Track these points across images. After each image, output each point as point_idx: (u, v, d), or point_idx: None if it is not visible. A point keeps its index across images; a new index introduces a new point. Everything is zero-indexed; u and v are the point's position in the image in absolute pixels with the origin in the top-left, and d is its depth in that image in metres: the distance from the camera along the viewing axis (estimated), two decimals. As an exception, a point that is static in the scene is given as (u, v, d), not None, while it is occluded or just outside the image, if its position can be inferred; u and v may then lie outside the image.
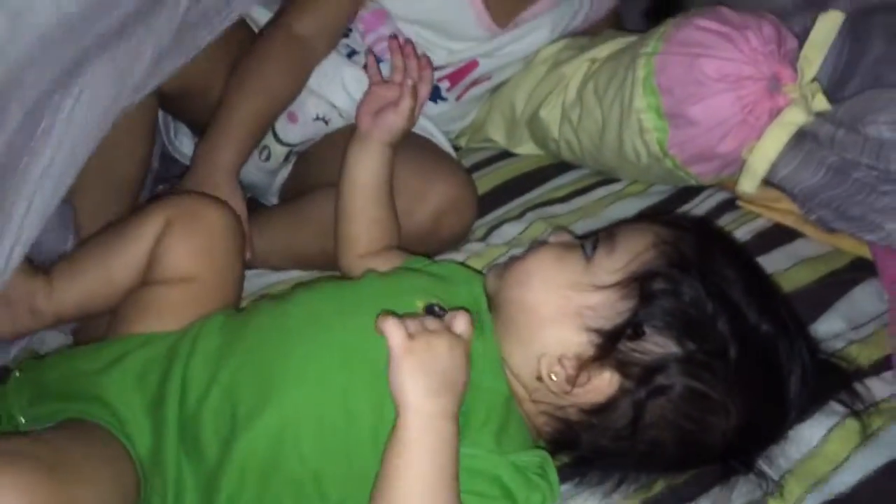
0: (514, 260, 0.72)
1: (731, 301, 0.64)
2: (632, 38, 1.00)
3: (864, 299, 0.86)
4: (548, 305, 0.66)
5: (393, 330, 0.59)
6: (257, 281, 0.96)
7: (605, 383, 0.64)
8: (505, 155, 1.15)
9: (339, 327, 0.69)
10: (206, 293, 0.79)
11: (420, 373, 0.59)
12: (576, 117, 1.01)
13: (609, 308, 0.64)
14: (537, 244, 0.72)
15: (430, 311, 0.69)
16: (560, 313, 0.65)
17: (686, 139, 0.90)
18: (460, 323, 0.63)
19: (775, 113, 0.87)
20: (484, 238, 0.98)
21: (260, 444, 0.63)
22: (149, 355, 0.72)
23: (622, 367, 0.63)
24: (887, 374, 0.77)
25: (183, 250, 0.78)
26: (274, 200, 1.12)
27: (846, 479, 0.68)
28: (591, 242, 0.69)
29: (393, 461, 0.58)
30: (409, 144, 0.89)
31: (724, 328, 0.63)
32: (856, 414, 0.70)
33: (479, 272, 0.80)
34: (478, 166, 1.13)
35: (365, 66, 1.04)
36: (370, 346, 0.64)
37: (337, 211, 0.85)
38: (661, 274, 0.64)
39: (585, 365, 0.64)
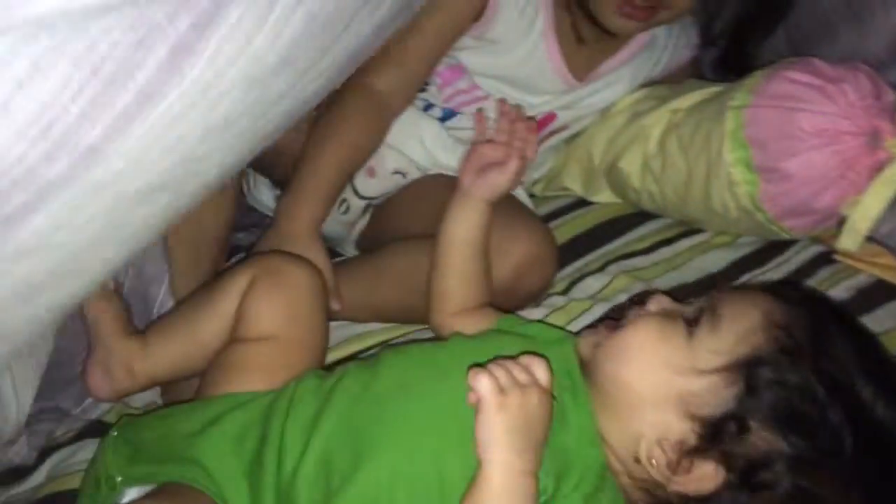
0: (610, 327, 0.70)
1: (846, 388, 0.60)
2: (714, 89, 0.99)
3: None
4: (647, 387, 0.64)
5: (486, 385, 0.58)
6: (339, 332, 0.96)
7: (708, 475, 0.61)
8: (581, 203, 1.14)
9: (429, 392, 0.68)
10: (293, 350, 0.79)
11: (511, 429, 0.58)
12: (658, 168, 1.00)
13: (712, 395, 0.61)
14: (635, 313, 0.69)
15: None
16: (660, 396, 0.63)
17: (779, 193, 0.88)
18: (542, 371, 0.61)
19: (876, 168, 0.84)
20: (565, 292, 0.97)
21: None
22: (245, 418, 0.73)
23: (726, 458, 0.60)
24: None
25: (267, 308, 0.79)
26: (351, 250, 1.12)
27: None
28: (693, 313, 0.66)
29: None
30: None
31: (837, 419, 0.59)
32: None
33: (570, 332, 0.78)
34: (554, 215, 1.12)
35: (443, 120, 1.06)
36: (460, 409, 0.63)
37: (432, 267, 0.84)
38: (769, 362, 0.61)
39: (687, 452, 0.61)
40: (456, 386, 0.65)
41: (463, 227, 0.83)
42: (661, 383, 0.63)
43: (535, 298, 0.94)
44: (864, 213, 0.84)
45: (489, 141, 0.86)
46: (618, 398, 0.65)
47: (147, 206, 0.57)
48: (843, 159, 0.83)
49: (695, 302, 0.68)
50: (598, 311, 0.92)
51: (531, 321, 0.82)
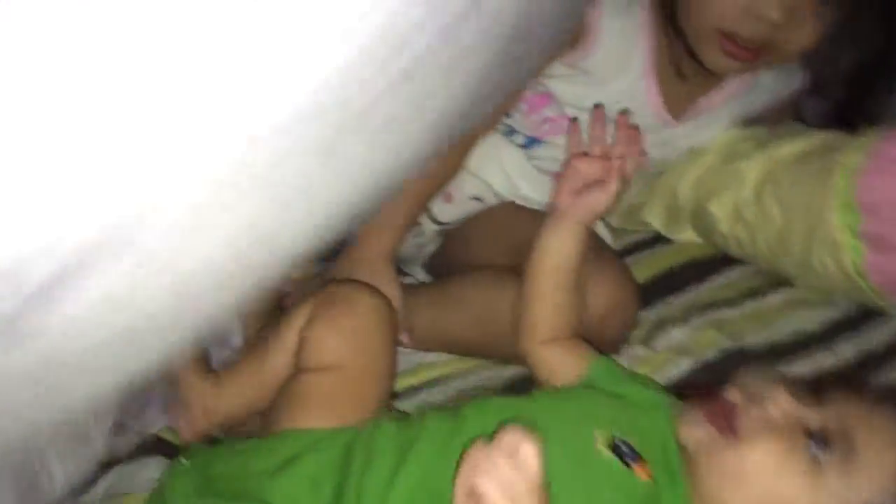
0: (716, 420, 0.61)
1: None
2: (819, 138, 0.94)
3: None
4: None
5: None
6: (407, 359, 0.93)
7: None
8: (659, 238, 1.09)
9: None
10: (360, 382, 0.76)
11: None
12: (751, 217, 0.96)
13: None
14: (753, 420, 0.60)
15: (616, 450, 0.63)
16: None
17: (887, 264, 0.84)
18: (534, 465, 0.52)
19: None
20: (647, 341, 0.93)
21: None
22: (320, 461, 0.70)
23: None
24: None
25: (331, 336, 0.77)
26: (418, 272, 1.09)
27: None
28: (819, 430, 0.58)
29: None
30: None
31: None
32: None
33: (665, 391, 0.73)
34: (631, 250, 1.08)
35: (525, 147, 1.02)
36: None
37: (521, 293, 0.80)
38: None
39: None
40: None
41: (557, 252, 0.78)
42: None
43: (614, 346, 0.90)
44: None
45: (584, 154, 0.79)
46: None
47: (222, 291, 0.51)
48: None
49: (820, 405, 0.61)
50: (685, 365, 0.88)
51: (625, 375, 0.76)
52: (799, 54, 0.89)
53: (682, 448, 0.64)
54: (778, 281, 0.99)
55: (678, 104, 0.97)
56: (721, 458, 0.60)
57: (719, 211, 0.99)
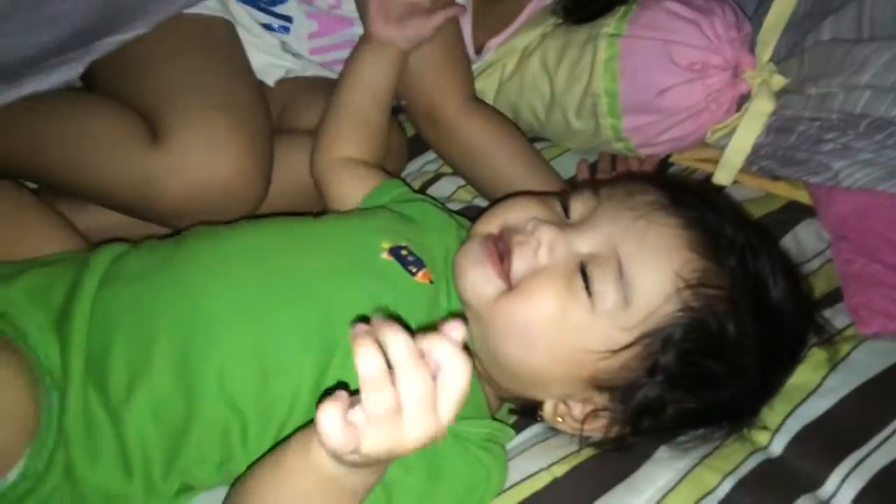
0: (499, 268, 0.59)
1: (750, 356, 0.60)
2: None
3: (806, 237, 0.85)
4: (552, 372, 0.59)
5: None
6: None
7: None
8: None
9: (288, 265, 0.61)
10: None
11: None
12: (514, 89, 0.98)
13: (622, 368, 0.58)
14: (528, 269, 0.59)
15: (396, 253, 0.62)
16: (569, 376, 0.59)
17: (644, 124, 0.90)
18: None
19: (737, 99, 0.89)
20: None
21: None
22: (51, 271, 0.63)
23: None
24: (840, 305, 0.78)
25: None
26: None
27: (823, 404, 0.68)
28: (590, 266, 0.57)
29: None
30: None
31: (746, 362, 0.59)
32: (825, 343, 0.70)
33: (453, 216, 0.72)
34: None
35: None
36: (322, 291, 0.58)
37: (331, 107, 0.79)
38: (680, 338, 0.57)
39: (595, 409, 0.60)
40: (323, 263, 0.60)
41: (372, 76, 0.79)
42: (572, 368, 0.58)
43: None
44: (738, 150, 0.87)
45: None
46: (520, 376, 0.61)
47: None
48: (710, 93, 0.87)
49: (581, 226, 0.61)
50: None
51: (416, 197, 0.75)
52: None
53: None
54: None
55: (480, 37, 0.98)
56: (504, 321, 0.59)
57: (484, 86, 0.99)
